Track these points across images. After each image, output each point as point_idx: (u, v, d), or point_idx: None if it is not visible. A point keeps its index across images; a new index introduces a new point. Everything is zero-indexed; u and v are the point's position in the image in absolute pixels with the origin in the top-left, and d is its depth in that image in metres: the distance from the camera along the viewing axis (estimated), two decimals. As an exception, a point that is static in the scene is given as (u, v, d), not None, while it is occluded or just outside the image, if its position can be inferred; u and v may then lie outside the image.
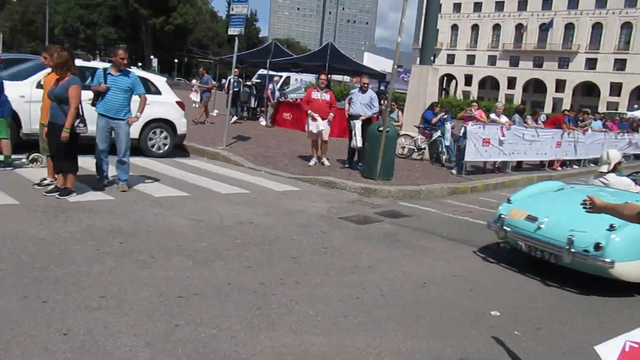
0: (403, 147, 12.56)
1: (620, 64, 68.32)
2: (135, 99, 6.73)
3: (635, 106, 52.23)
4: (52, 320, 3.13)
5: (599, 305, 4.45)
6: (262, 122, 18.10)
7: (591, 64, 70.66)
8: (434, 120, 12.06)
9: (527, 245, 5.01)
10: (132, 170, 7.22)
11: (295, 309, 3.68)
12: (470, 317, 3.87)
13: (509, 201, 5.56)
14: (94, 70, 7.27)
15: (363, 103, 9.77)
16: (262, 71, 23.05)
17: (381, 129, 8.76)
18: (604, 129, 16.37)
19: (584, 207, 2.74)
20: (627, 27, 67.99)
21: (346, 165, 10.06)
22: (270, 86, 18.07)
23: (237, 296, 3.78)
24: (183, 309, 3.47)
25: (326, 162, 10.04)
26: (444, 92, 75.37)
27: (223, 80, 30.34)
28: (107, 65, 6.87)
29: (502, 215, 5.36)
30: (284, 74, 23.80)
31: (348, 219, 6.54)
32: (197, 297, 3.68)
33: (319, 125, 9.55)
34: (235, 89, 17.94)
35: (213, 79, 18.99)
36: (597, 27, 70.24)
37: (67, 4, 69.11)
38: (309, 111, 9.63)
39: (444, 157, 12.02)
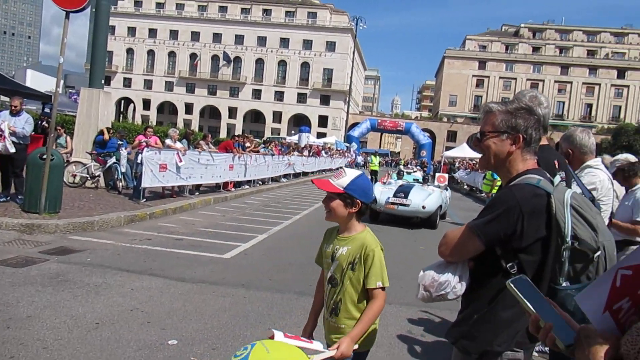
0: (74, 175, 11.53)
1: (279, 96, 79.27)
2: None
3: (293, 132, 61.23)
4: None
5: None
6: None
7: (257, 94, 79.81)
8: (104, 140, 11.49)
9: None
10: None
11: None
12: (146, 351, 3.76)
13: None
14: None
15: (17, 126, 8.53)
16: None
17: (45, 156, 7.82)
18: (267, 153, 18.56)
19: None
20: (282, 64, 79.48)
21: (1, 199, 8.59)
22: None
23: None
24: None
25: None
26: (121, 115, 72.92)
27: None
28: None
29: None
30: None
31: (2, 264, 5.57)
32: None
33: None
34: None
35: None
36: (259, 62, 79.86)
37: None
38: None
39: (120, 184, 11.54)
